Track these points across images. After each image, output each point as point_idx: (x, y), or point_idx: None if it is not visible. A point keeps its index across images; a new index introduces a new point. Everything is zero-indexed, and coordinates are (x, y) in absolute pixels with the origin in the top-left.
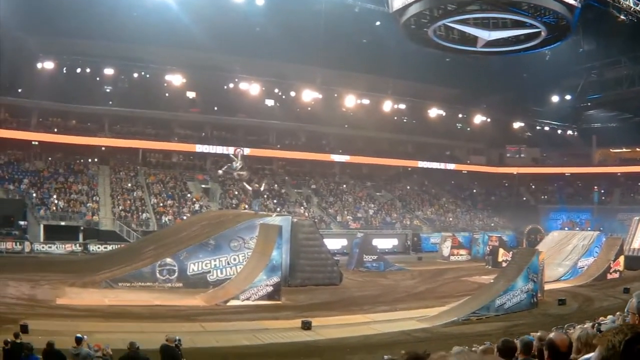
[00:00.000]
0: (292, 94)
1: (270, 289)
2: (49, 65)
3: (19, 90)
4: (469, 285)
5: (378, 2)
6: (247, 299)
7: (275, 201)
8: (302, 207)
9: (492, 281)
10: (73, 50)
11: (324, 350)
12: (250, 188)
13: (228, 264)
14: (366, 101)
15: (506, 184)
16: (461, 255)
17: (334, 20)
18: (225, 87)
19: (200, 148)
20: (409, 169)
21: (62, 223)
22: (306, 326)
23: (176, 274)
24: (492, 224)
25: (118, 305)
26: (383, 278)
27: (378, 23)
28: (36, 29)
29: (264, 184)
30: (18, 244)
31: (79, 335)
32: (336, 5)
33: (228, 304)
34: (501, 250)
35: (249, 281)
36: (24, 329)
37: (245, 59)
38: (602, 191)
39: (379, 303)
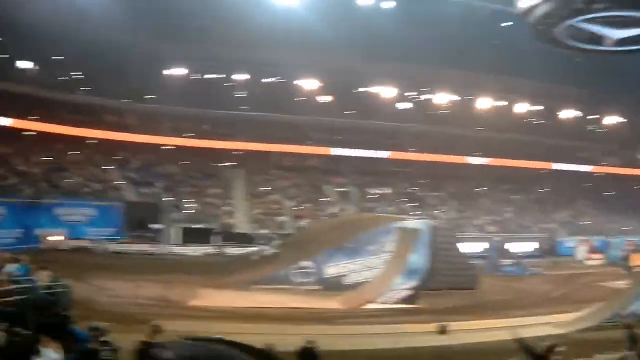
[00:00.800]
0: (426, 96)
1: (407, 292)
2: (180, 71)
3: (151, 97)
4: (604, 291)
5: (507, 2)
6: (385, 302)
7: (412, 205)
8: (439, 211)
9: (627, 287)
10: (204, 56)
11: (459, 355)
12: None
13: (365, 267)
14: (499, 103)
15: None
16: (597, 259)
17: (465, 23)
18: (359, 90)
19: (335, 152)
20: (544, 171)
21: (198, 226)
22: (442, 330)
23: (314, 277)
24: (629, 228)
25: (254, 307)
26: (519, 283)
27: (509, 24)
28: (166, 36)
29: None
30: (153, 246)
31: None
32: (467, 7)
33: (365, 307)
34: (635, 255)
35: (386, 285)
36: (158, 330)
37: (378, 63)
38: None
39: (515, 308)
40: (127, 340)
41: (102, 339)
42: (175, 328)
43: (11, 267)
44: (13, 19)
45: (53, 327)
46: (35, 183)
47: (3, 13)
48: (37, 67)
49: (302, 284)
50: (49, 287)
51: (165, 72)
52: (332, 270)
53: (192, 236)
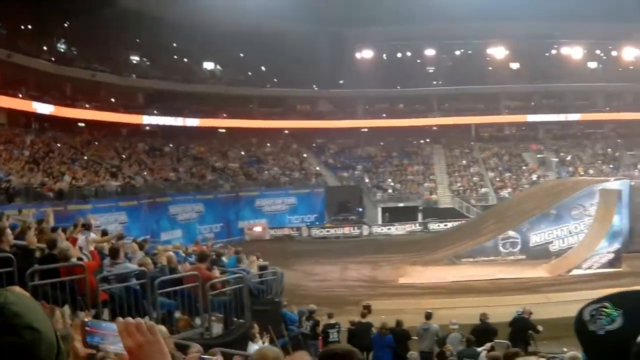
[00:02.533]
0: (614, 53)
1: (611, 256)
2: (367, 54)
3: (341, 82)
4: None
5: None
6: (589, 267)
7: (609, 165)
8: (636, 170)
9: None
10: (390, 36)
11: None
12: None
13: (569, 233)
14: None
15: None
16: None
17: None
18: (547, 54)
19: (531, 118)
20: None
21: (401, 204)
22: None
23: (519, 246)
24: None
25: (461, 281)
26: None
27: None
28: (351, 21)
29: None
30: (356, 228)
31: (429, 311)
32: None
33: (571, 273)
34: None
35: (590, 249)
36: (368, 309)
37: (564, 23)
38: None
39: None
40: (339, 322)
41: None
42: (385, 306)
43: (223, 259)
44: (193, 23)
45: (266, 313)
46: (233, 177)
47: (184, 19)
48: (222, 67)
49: (508, 254)
50: (260, 276)
51: (354, 55)
52: (536, 238)
53: (395, 215)
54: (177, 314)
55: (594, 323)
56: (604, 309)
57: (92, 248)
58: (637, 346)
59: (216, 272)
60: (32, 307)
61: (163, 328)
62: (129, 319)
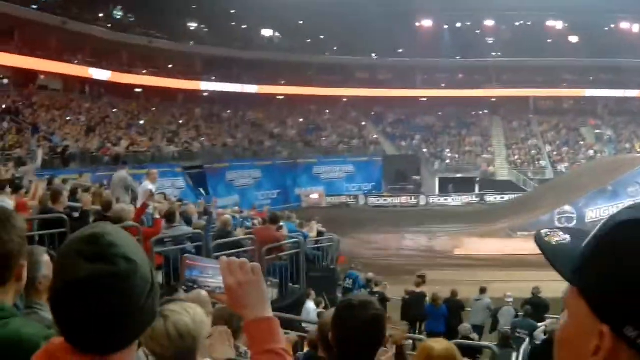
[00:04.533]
0: None
1: None
2: (427, 23)
3: (400, 51)
4: None
5: None
6: None
7: None
8: None
9: None
10: (451, 6)
11: None
12: None
13: None
14: None
15: None
16: None
17: None
18: (607, 28)
19: (589, 92)
20: None
21: (458, 175)
22: None
23: (574, 222)
24: None
25: (517, 254)
26: None
27: None
28: None
29: None
30: (413, 198)
31: (483, 285)
32: None
33: None
34: None
35: None
36: (423, 279)
37: None
38: None
39: None
40: (394, 291)
41: (375, 289)
42: (441, 277)
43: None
44: None
45: (321, 280)
46: (291, 144)
47: None
48: (280, 34)
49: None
50: (317, 242)
51: (413, 24)
52: (592, 214)
53: (452, 186)
54: None
55: (548, 236)
56: (555, 232)
57: (157, 216)
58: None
59: (284, 231)
60: (129, 240)
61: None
62: (233, 257)
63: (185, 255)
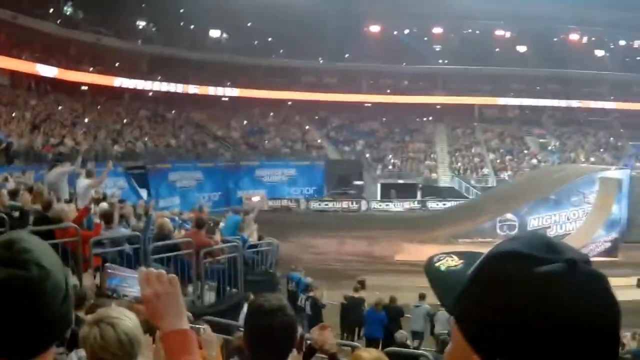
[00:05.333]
0: (622, 42)
1: (608, 244)
2: (375, 28)
3: (347, 56)
4: None
5: None
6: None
7: (611, 154)
8: (638, 161)
9: None
10: (398, 12)
11: None
12: None
13: (567, 219)
14: None
15: None
16: None
17: None
18: (555, 39)
19: (534, 102)
20: None
21: (400, 181)
22: None
23: (516, 230)
24: None
25: None
26: None
27: None
28: None
29: None
30: (354, 202)
31: (423, 291)
32: None
33: None
34: None
35: (588, 237)
36: (362, 284)
37: (573, 9)
38: None
39: None
40: (333, 296)
41: (310, 294)
42: (381, 283)
43: (221, 224)
44: None
45: (259, 283)
46: (234, 146)
47: None
48: (228, 35)
49: (505, 236)
50: (256, 245)
51: (362, 29)
52: (534, 222)
53: (394, 191)
54: None
55: (439, 263)
56: (450, 258)
57: (97, 220)
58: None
59: (217, 237)
60: (43, 247)
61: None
62: (151, 268)
63: (107, 264)
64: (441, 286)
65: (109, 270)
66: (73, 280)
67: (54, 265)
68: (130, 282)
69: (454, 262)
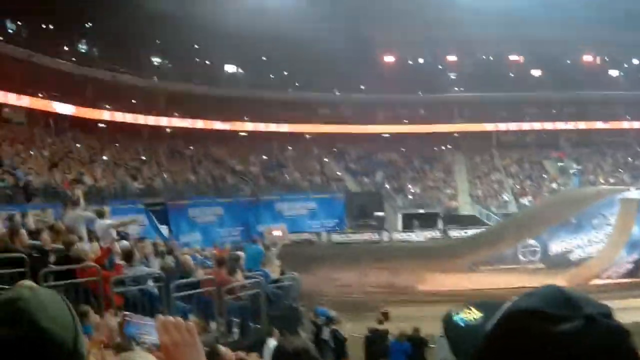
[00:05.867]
0: (636, 61)
1: (630, 266)
2: (389, 58)
3: (362, 87)
4: None
5: None
6: (608, 277)
7: (630, 175)
8: None
9: None
10: (411, 41)
11: None
12: None
13: (589, 242)
14: None
15: None
16: None
17: None
18: (569, 61)
19: (551, 125)
20: None
21: (421, 211)
22: None
23: (538, 255)
24: None
25: (481, 288)
26: None
27: None
28: (372, 24)
29: None
30: (376, 234)
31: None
32: None
33: (590, 283)
34: None
35: (610, 259)
36: (386, 316)
37: (582, 30)
38: None
39: None
40: (356, 328)
41: (332, 327)
42: (404, 313)
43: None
44: (215, 25)
45: (282, 319)
46: (253, 181)
47: (205, 21)
48: (243, 70)
49: (528, 262)
50: (278, 280)
51: (376, 60)
52: (556, 247)
53: (415, 221)
54: (192, 318)
55: (458, 317)
56: (469, 310)
57: (119, 261)
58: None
59: (239, 275)
60: (47, 306)
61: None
62: (169, 317)
63: (124, 312)
64: (458, 342)
65: (127, 319)
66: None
67: (55, 324)
68: (149, 330)
69: (472, 315)
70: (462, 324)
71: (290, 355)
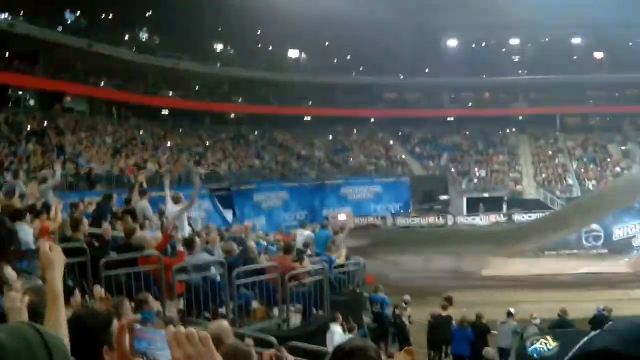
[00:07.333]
0: None
1: None
2: (452, 42)
3: (427, 71)
4: None
5: None
6: None
7: None
8: None
9: None
10: (474, 25)
11: None
12: None
13: None
14: None
15: None
16: None
17: None
18: (631, 43)
19: (615, 109)
20: None
21: (486, 194)
22: None
23: (602, 240)
24: None
25: (545, 274)
26: None
27: None
28: (436, 8)
29: None
30: (441, 218)
31: (511, 309)
32: None
33: None
34: None
35: None
36: (450, 301)
37: None
38: None
39: None
40: (420, 313)
41: (396, 312)
42: (468, 299)
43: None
44: (277, 10)
45: (345, 304)
46: (318, 165)
47: (268, 7)
48: (307, 55)
49: (591, 247)
50: (342, 266)
51: (441, 44)
52: (619, 232)
53: (481, 205)
54: (255, 305)
55: (532, 347)
56: (545, 340)
57: (181, 248)
58: None
59: (306, 262)
60: (25, 347)
61: (225, 324)
62: (181, 328)
63: (135, 326)
64: None
65: (136, 332)
66: (156, 306)
67: None
68: (160, 344)
69: (548, 345)
70: (536, 357)
71: (346, 351)
